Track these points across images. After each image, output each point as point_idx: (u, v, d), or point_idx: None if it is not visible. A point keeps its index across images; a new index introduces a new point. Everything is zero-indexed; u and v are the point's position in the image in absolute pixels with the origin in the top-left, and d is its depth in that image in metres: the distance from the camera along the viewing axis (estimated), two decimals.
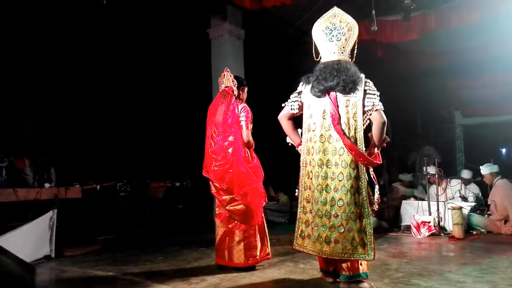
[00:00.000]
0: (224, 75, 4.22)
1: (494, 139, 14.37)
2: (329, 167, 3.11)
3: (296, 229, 3.33)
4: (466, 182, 7.15)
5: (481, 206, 6.93)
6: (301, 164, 3.33)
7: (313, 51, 3.34)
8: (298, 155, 3.43)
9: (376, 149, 3.20)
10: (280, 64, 10.21)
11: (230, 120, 3.95)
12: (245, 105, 4.10)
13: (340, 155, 3.08)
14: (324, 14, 3.32)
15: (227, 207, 3.94)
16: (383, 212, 6.77)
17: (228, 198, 3.93)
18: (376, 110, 3.09)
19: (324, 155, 3.13)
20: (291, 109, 3.40)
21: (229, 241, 3.96)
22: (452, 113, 12.07)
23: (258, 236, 4.01)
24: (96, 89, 8.66)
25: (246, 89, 4.28)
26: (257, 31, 8.48)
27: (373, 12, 5.66)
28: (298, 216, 3.33)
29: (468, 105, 11.32)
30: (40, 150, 6.92)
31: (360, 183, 3.07)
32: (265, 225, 4.15)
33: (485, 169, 6.53)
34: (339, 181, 3.06)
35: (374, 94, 3.12)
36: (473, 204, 6.68)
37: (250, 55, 7.90)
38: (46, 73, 7.85)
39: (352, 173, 3.05)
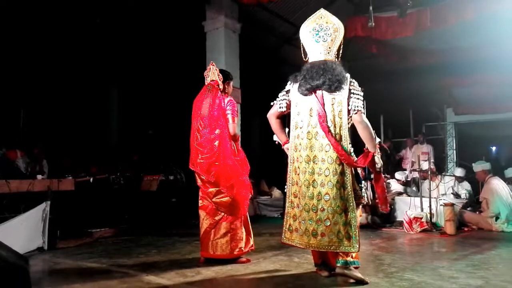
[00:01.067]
0: (210, 68, 4.20)
1: (485, 137, 14.49)
2: (316, 163, 3.20)
3: (284, 223, 3.41)
4: (459, 180, 7.20)
5: (473, 203, 7.00)
6: (288, 161, 3.42)
7: (302, 51, 3.43)
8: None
9: (367, 149, 3.24)
10: (274, 59, 10.20)
11: (216, 113, 3.96)
12: (231, 98, 4.12)
13: (326, 151, 3.17)
14: (311, 16, 3.41)
15: (213, 199, 3.96)
16: (376, 208, 6.81)
17: (214, 190, 3.95)
18: (356, 112, 3.17)
19: (311, 151, 3.22)
20: (280, 107, 3.47)
21: (215, 233, 3.98)
22: (444, 110, 12.16)
23: (245, 227, 4.04)
24: (90, 81, 8.60)
25: (231, 83, 4.29)
26: (252, 26, 8.46)
27: (371, 8, 5.67)
28: (286, 211, 3.42)
29: (460, 103, 11.41)
30: (33, 142, 6.86)
31: (345, 178, 3.15)
32: (248, 217, 4.16)
33: (477, 167, 6.59)
34: (326, 176, 3.15)
35: (358, 94, 3.20)
36: (465, 201, 6.74)
37: (245, 49, 7.88)
38: (39, 66, 7.77)
39: (338, 169, 3.14)
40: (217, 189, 3.93)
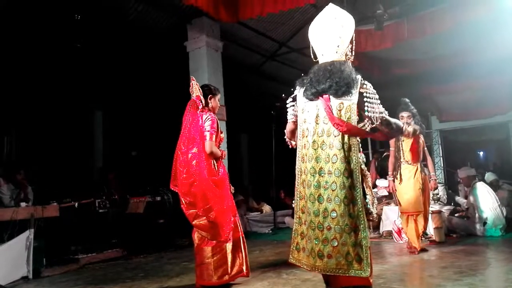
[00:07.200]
0: (192, 85, 3.99)
1: (472, 142, 14.64)
2: (322, 176, 2.87)
3: (292, 241, 3.07)
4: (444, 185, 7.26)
5: (460, 208, 7.04)
6: (296, 173, 3.07)
7: (311, 53, 3.11)
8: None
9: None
10: (258, 75, 10.28)
11: (194, 131, 3.78)
12: (211, 114, 3.87)
13: (333, 162, 2.84)
14: (320, 12, 3.07)
15: (193, 222, 3.76)
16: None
17: (194, 212, 3.73)
18: (380, 122, 2.90)
19: (317, 162, 2.90)
20: (290, 118, 3.17)
21: (200, 259, 3.76)
22: (428, 118, 12.30)
23: (231, 252, 3.77)
24: (74, 104, 8.58)
25: (217, 97, 4.06)
26: (234, 43, 8.54)
27: None
28: (294, 228, 3.11)
29: (443, 110, 11.55)
30: (17, 169, 6.78)
31: (355, 193, 2.82)
32: (242, 240, 3.89)
33: (462, 173, 6.67)
34: (332, 190, 2.82)
35: (372, 98, 2.89)
36: (452, 207, 6.78)
37: (228, 67, 7.94)
38: (22, 92, 7.75)
39: (346, 182, 2.81)
40: (195, 211, 3.72)
